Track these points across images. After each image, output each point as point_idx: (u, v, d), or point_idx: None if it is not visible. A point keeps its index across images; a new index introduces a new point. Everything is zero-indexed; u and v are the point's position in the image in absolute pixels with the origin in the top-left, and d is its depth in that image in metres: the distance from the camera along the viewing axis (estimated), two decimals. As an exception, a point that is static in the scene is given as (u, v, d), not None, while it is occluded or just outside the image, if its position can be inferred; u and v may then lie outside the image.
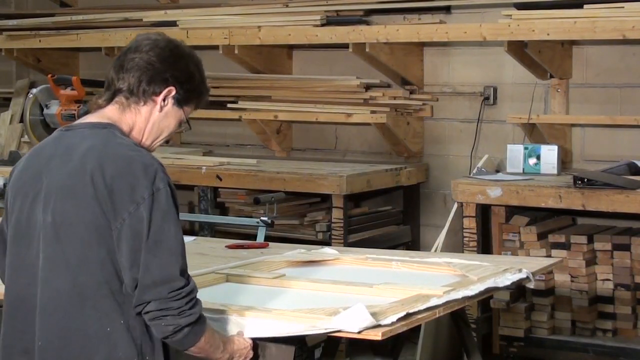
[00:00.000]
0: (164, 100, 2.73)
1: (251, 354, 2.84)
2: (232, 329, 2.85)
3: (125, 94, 2.72)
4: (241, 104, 6.82)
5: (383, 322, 2.72)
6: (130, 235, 2.54)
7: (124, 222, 2.53)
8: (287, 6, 6.60)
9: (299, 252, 3.92)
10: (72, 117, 5.44)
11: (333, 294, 3.22)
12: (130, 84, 2.71)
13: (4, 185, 5.36)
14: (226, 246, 4.15)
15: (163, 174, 2.60)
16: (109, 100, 2.75)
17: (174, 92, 2.73)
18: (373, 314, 2.74)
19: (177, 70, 2.73)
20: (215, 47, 6.59)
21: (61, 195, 2.60)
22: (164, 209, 2.56)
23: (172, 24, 6.81)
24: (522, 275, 3.46)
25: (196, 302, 2.61)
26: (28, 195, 2.67)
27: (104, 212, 2.55)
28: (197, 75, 2.79)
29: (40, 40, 7.37)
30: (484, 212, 5.59)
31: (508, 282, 3.36)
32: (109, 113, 2.74)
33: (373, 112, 6.30)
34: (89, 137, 2.66)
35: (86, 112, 5.58)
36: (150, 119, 2.75)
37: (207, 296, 3.15)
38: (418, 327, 5.07)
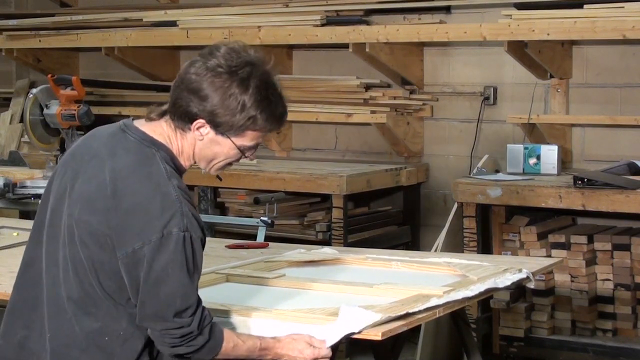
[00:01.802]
0: (198, 128, 2.61)
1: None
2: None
3: (171, 116, 2.63)
4: (241, 104, 6.80)
5: (384, 328, 2.72)
6: (130, 270, 2.50)
7: (127, 255, 2.49)
8: (287, 6, 6.60)
9: (299, 252, 3.91)
10: (72, 117, 5.45)
11: (333, 294, 3.21)
12: (173, 108, 2.62)
13: (4, 185, 5.37)
14: (226, 246, 4.15)
15: (179, 218, 2.49)
16: (160, 115, 2.66)
17: (205, 122, 2.59)
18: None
19: (212, 102, 2.57)
20: (215, 47, 6.58)
21: (84, 202, 2.57)
22: (169, 253, 2.48)
23: (172, 24, 6.81)
24: (522, 275, 3.45)
25: (196, 337, 2.54)
26: (64, 187, 2.64)
27: (110, 238, 2.52)
28: (248, 105, 2.59)
29: (40, 40, 7.37)
30: (484, 212, 5.59)
31: (508, 282, 3.36)
32: (162, 129, 2.64)
33: (373, 112, 6.29)
34: (130, 154, 2.58)
35: (86, 112, 5.63)
36: (195, 145, 2.64)
37: (207, 296, 3.16)
38: (418, 327, 5.07)
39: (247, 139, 2.65)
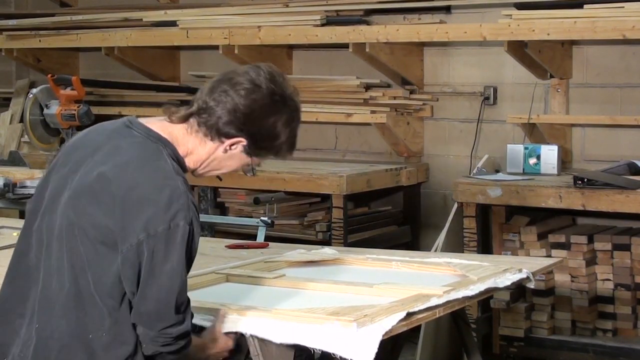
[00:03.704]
0: (231, 145, 2.66)
1: (225, 355, 2.84)
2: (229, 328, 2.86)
3: (199, 121, 2.64)
4: (241, 104, 6.80)
5: (385, 328, 2.72)
6: (133, 262, 2.49)
7: (131, 248, 2.48)
8: (287, 6, 6.60)
9: (299, 252, 3.91)
10: (72, 117, 5.46)
11: (333, 293, 3.21)
12: (209, 116, 2.62)
13: (4, 185, 5.37)
14: (226, 246, 4.15)
15: (186, 211, 2.50)
16: (183, 119, 2.66)
17: (244, 143, 2.66)
18: (370, 316, 2.75)
19: (259, 126, 2.64)
20: (215, 47, 6.59)
21: (87, 195, 2.55)
22: (177, 247, 2.49)
23: (172, 24, 6.81)
24: (522, 275, 3.46)
25: (184, 337, 2.58)
26: (64, 177, 2.64)
27: (114, 230, 2.50)
28: (282, 136, 2.68)
29: (40, 40, 7.37)
30: (484, 212, 5.59)
31: (508, 282, 3.36)
32: (175, 130, 2.66)
33: (373, 112, 6.30)
34: (136, 147, 2.59)
35: (86, 112, 5.63)
36: (213, 154, 2.68)
37: (207, 296, 3.16)
38: (418, 327, 5.07)
39: (256, 161, 2.76)
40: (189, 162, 2.68)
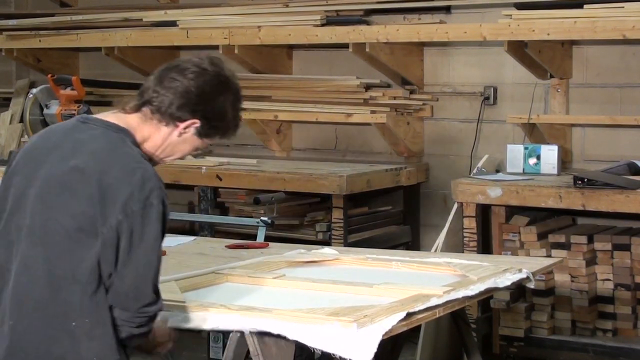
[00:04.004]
0: (185, 128, 2.77)
1: (170, 345, 2.92)
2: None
3: (152, 109, 2.75)
4: (241, 104, 6.81)
5: (385, 328, 2.73)
6: (112, 243, 2.56)
7: (111, 228, 2.56)
8: (287, 6, 6.60)
9: (299, 252, 3.91)
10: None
11: (333, 293, 3.21)
12: (161, 102, 2.74)
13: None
14: (226, 246, 4.15)
15: (159, 190, 2.63)
16: (136, 109, 2.78)
17: (197, 125, 2.77)
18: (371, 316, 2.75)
19: (210, 106, 2.76)
20: (215, 47, 6.59)
21: (57, 188, 2.62)
22: (151, 225, 2.59)
23: (172, 24, 6.81)
24: (522, 275, 3.46)
25: (156, 316, 2.68)
26: (27, 177, 2.69)
27: (93, 215, 2.57)
28: (230, 115, 2.82)
29: (40, 40, 7.37)
30: (484, 212, 5.59)
31: (508, 282, 3.36)
32: (129, 119, 2.78)
33: (373, 112, 6.30)
34: (99, 138, 2.69)
35: (86, 112, 5.63)
36: (167, 139, 2.79)
37: (207, 296, 3.16)
38: (418, 327, 5.07)
39: (206, 143, 2.87)
40: (147, 149, 2.79)
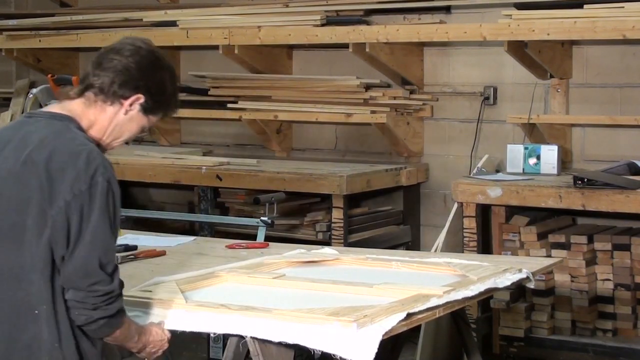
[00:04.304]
0: (130, 105, 2.82)
1: (166, 346, 2.94)
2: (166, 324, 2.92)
3: (95, 91, 2.81)
4: (241, 104, 6.82)
5: (385, 328, 2.73)
6: (63, 224, 2.63)
7: (60, 210, 2.63)
8: (287, 6, 6.60)
9: (299, 252, 3.91)
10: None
11: (333, 293, 3.21)
12: (103, 82, 2.80)
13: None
14: (226, 246, 4.15)
15: (104, 169, 2.67)
16: (80, 94, 2.85)
17: (141, 100, 2.82)
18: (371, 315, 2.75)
19: (151, 80, 2.83)
20: (215, 47, 6.59)
21: (10, 180, 2.70)
22: (98, 203, 2.64)
23: (172, 24, 6.81)
24: (522, 275, 3.46)
25: (116, 299, 2.69)
26: None
27: (43, 201, 2.64)
28: (170, 89, 2.89)
29: (40, 40, 7.36)
30: (484, 212, 5.59)
31: (508, 282, 3.36)
32: (73, 106, 2.84)
33: (373, 112, 6.30)
34: (44, 128, 2.76)
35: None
36: (114, 119, 2.83)
37: (207, 296, 3.16)
38: (418, 327, 5.07)
39: (152, 121, 2.91)
40: (95, 133, 2.83)
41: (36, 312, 2.66)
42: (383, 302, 2.96)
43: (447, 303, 3.04)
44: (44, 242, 2.64)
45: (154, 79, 2.84)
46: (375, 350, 2.67)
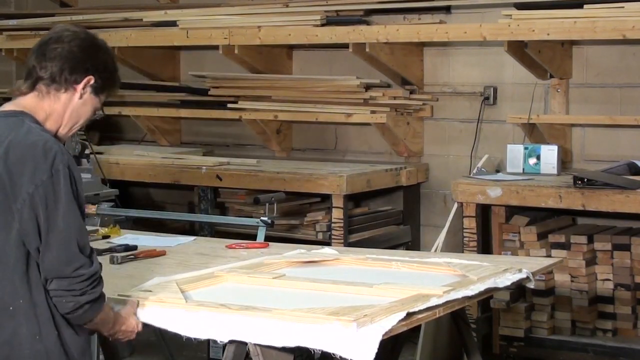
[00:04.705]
0: (83, 88, 2.87)
1: (133, 337, 2.99)
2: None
3: (46, 82, 2.84)
4: (241, 104, 6.82)
5: (385, 328, 2.72)
6: (30, 216, 2.66)
7: (25, 203, 2.66)
8: (287, 6, 6.60)
9: (299, 252, 3.91)
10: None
11: (333, 293, 3.21)
12: (52, 72, 2.83)
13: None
14: (226, 246, 4.15)
15: (62, 156, 2.71)
16: (31, 88, 2.86)
17: (92, 81, 2.88)
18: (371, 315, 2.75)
19: (96, 60, 2.89)
20: (215, 47, 6.59)
21: None
22: (62, 190, 2.68)
23: (172, 24, 6.81)
24: (522, 275, 3.46)
25: (99, 282, 2.74)
26: None
27: (7, 197, 2.67)
28: (112, 66, 2.96)
29: (40, 40, 7.35)
30: (484, 212, 5.59)
31: (508, 282, 3.36)
32: (27, 101, 2.86)
33: (373, 112, 6.30)
34: (1, 120, 2.80)
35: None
36: (69, 105, 2.87)
37: (207, 296, 3.16)
38: (418, 327, 5.07)
39: (101, 100, 2.96)
40: (51, 125, 2.87)
41: (11, 308, 2.69)
42: (383, 302, 2.96)
43: (446, 303, 3.04)
44: (14, 238, 2.68)
45: (98, 59, 2.90)
46: (376, 350, 2.67)
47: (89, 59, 2.87)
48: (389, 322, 2.76)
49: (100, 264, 2.76)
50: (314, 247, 4.05)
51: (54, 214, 2.66)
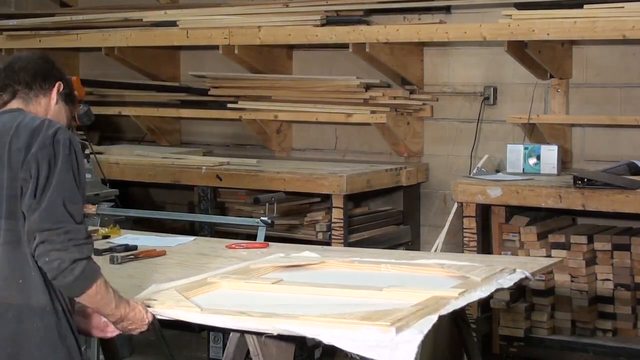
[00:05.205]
0: (57, 94, 3.02)
1: (145, 328, 2.97)
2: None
3: (24, 90, 2.98)
4: (241, 104, 6.82)
5: (423, 332, 2.69)
6: (29, 178, 2.75)
7: (28, 162, 2.77)
8: (287, 6, 6.60)
9: (279, 256, 3.82)
10: (72, 117, 5.45)
11: (341, 298, 3.14)
12: (27, 80, 2.97)
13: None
14: (226, 246, 4.14)
15: (64, 131, 2.84)
16: (12, 96, 2.99)
17: (62, 88, 3.03)
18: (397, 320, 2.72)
19: (58, 70, 3.06)
20: (215, 47, 6.59)
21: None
22: (61, 155, 2.77)
23: (172, 24, 6.81)
24: (523, 275, 3.45)
25: (84, 244, 2.75)
26: None
27: (15, 169, 2.78)
28: (68, 79, 3.11)
29: (40, 40, 7.36)
30: (484, 212, 5.59)
31: (511, 283, 3.36)
32: (15, 106, 2.98)
33: (373, 112, 6.30)
34: (3, 116, 2.92)
35: (86, 112, 5.64)
36: (49, 109, 3.01)
37: (210, 302, 3.09)
38: (418, 327, 5.05)
39: (70, 109, 3.09)
40: None
41: (20, 281, 2.77)
42: (401, 305, 2.89)
43: (467, 304, 3.01)
44: (21, 212, 2.76)
45: (58, 70, 3.06)
46: (415, 353, 2.62)
47: (53, 69, 3.04)
48: (424, 326, 2.70)
49: (90, 235, 2.78)
50: (314, 248, 4.02)
51: (50, 175, 2.75)
